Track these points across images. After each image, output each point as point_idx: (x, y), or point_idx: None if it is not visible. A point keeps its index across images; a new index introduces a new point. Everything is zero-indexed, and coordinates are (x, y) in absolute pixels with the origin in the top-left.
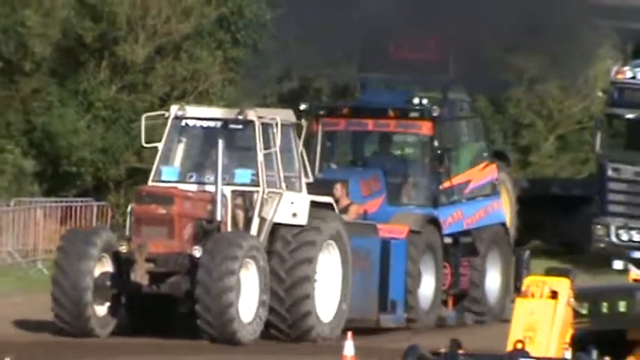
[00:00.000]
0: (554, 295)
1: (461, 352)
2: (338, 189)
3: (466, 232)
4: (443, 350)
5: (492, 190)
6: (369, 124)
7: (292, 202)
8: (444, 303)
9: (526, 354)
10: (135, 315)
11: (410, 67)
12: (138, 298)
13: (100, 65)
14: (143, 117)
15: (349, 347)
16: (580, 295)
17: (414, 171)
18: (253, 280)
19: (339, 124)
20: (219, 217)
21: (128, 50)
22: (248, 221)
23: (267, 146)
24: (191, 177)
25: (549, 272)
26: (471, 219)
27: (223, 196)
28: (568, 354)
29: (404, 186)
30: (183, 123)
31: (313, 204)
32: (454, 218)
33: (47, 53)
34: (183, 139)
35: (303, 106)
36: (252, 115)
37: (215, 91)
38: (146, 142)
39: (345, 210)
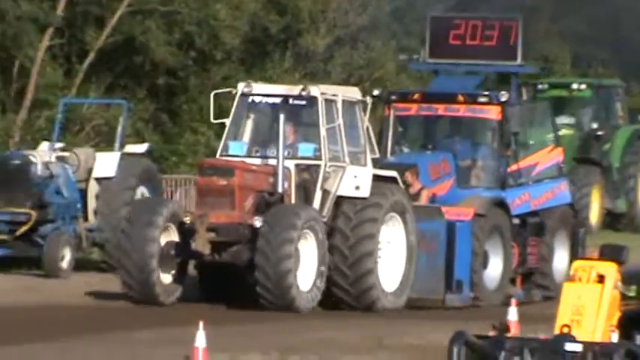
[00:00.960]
0: (601, 279)
1: (508, 335)
2: (408, 176)
3: (534, 213)
4: (491, 334)
5: (559, 173)
6: (440, 109)
7: (355, 176)
8: (513, 281)
9: (572, 338)
10: (202, 283)
11: (478, 54)
12: (205, 266)
13: (284, 55)
14: (212, 94)
15: (513, 313)
16: (627, 278)
17: (483, 154)
18: (312, 251)
19: (410, 109)
20: (280, 190)
21: (310, 41)
22: (312, 194)
23: (330, 121)
24: (257, 151)
25: (604, 249)
26: (538, 200)
27: (287, 169)
28: (615, 336)
29: (473, 169)
30: (249, 100)
31: (377, 178)
32: (522, 200)
33: (236, 44)
34: (251, 116)
35: (375, 92)
36: (315, 91)
37: (389, 77)
38: (215, 119)
39: (417, 195)
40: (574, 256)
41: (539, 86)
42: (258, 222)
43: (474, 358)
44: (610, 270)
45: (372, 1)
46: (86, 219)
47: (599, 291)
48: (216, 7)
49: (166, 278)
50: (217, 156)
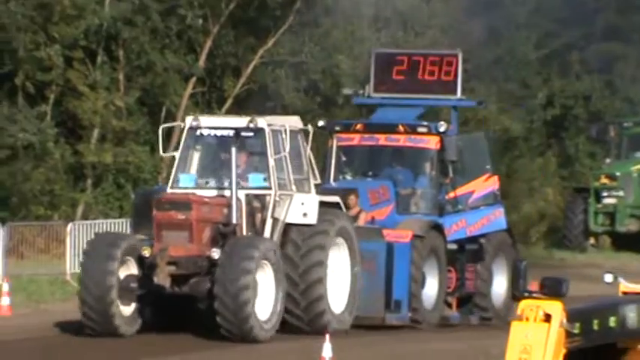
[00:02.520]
0: (547, 318)
1: None
2: (353, 199)
3: (472, 239)
4: None
5: (494, 200)
6: (381, 139)
7: (302, 203)
8: (449, 305)
9: None
10: (159, 314)
11: (420, 89)
12: (162, 298)
13: None
14: (160, 127)
15: None
16: (572, 316)
17: (422, 182)
18: (269, 280)
19: (353, 139)
20: (234, 220)
21: None
22: (262, 222)
23: (277, 151)
24: (207, 183)
25: (544, 281)
26: (474, 226)
27: (238, 199)
28: None
29: (412, 196)
30: (198, 132)
31: (322, 204)
32: (458, 226)
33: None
34: (199, 148)
35: (321, 123)
36: (262, 123)
37: (490, 117)
38: (164, 152)
39: (355, 217)
40: (514, 286)
41: (625, 124)
42: (215, 253)
43: None
44: (556, 309)
45: (474, 51)
46: None
47: (545, 330)
48: (338, 58)
49: (127, 310)
50: (168, 189)
